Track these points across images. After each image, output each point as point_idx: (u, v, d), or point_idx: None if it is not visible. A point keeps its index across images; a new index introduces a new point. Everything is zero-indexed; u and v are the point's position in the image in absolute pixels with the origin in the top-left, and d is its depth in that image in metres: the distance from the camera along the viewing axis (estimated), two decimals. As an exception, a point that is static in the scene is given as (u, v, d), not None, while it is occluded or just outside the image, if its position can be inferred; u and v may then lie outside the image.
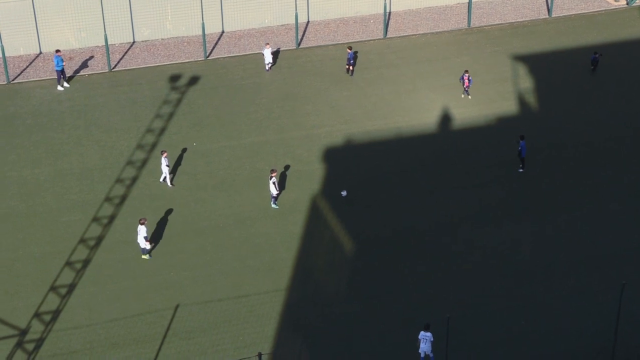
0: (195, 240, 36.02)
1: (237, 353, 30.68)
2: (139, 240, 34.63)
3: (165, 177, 39.08)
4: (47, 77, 47.28)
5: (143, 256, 34.98)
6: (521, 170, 39.82)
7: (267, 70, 47.89)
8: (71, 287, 33.67)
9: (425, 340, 29.65)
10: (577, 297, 33.00)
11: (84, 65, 48.58)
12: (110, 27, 49.39)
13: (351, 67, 47.55)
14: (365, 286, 33.73)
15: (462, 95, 45.33)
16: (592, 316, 32.20)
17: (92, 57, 49.34)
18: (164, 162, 38.77)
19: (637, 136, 42.55)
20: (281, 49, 50.34)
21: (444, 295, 33.17)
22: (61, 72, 45.99)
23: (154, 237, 36.04)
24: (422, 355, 29.90)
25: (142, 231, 34.40)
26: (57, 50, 45.96)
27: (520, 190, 38.91)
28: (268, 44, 48.06)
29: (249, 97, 45.80)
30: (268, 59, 47.65)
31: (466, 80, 44.93)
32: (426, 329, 29.74)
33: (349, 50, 47.55)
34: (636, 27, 52.65)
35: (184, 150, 41.48)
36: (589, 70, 47.77)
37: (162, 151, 39.21)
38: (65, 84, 46.44)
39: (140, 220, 34.58)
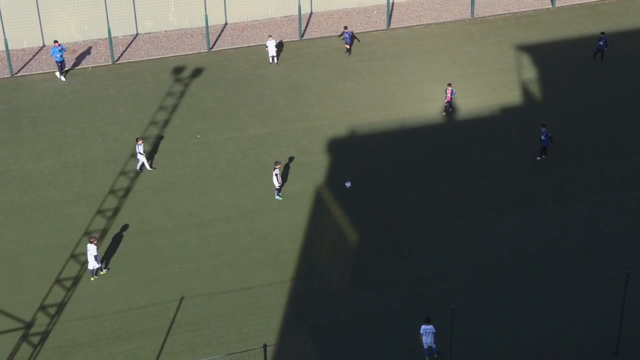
0: (199, 232, 36.05)
1: (242, 345, 30.73)
2: (88, 260, 33.16)
3: (142, 164, 39.35)
4: (51, 70, 47.29)
5: (92, 278, 33.50)
6: (544, 157, 39.78)
7: (271, 63, 47.72)
8: (76, 280, 33.73)
9: (427, 334, 29.66)
10: (581, 288, 32.96)
11: (87, 58, 48.58)
12: (113, 20, 49.39)
13: (348, 46, 48.01)
14: (369, 277, 33.74)
15: (444, 114, 43.07)
16: (596, 306, 32.18)
17: (95, 49, 49.34)
18: (138, 149, 38.89)
19: (641, 126, 42.57)
20: (284, 40, 50.29)
21: (448, 286, 33.17)
22: (61, 64, 45.91)
23: (160, 228, 36.11)
24: (426, 347, 29.92)
25: (92, 250, 32.95)
26: (55, 41, 45.91)
27: (524, 180, 38.86)
28: (271, 35, 47.94)
29: (252, 88, 45.79)
30: (272, 51, 47.51)
31: (448, 94, 42.60)
32: (427, 322, 29.74)
33: (345, 30, 47.78)
34: (639, 17, 52.61)
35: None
36: (593, 59, 47.67)
37: (137, 138, 39.30)
38: (62, 78, 46.38)
39: (90, 238, 33.23)
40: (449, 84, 42.95)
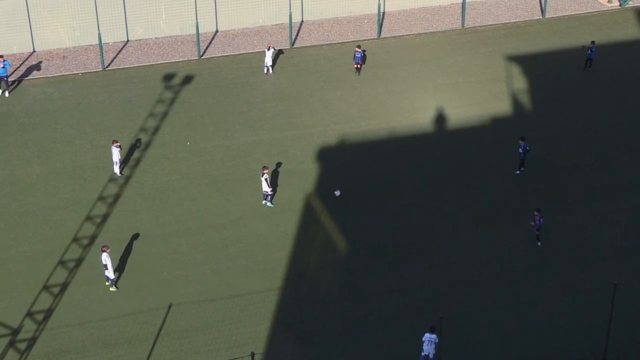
0: (188, 240, 35.97)
1: (230, 353, 30.65)
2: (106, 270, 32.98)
3: (116, 167, 39.37)
4: (40, 76, 47.20)
5: (111, 288, 33.33)
6: (518, 172, 39.69)
7: (266, 73, 47.54)
8: (64, 286, 33.61)
9: (429, 342, 29.60)
10: (569, 297, 33.01)
11: (77, 64, 48.48)
12: (104, 26, 49.34)
13: (358, 66, 47.55)
14: (358, 285, 33.72)
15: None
16: (583, 316, 32.24)
17: (85, 55, 49.25)
18: (114, 151, 38.89)
19: (630, 135, 42.62)
20: (275, 48, 50.27)
21: (437, 295, 33.17)
22: (5, 78, 45.14)
23: (149, 235, 36.02)
24: (423, 355, 29.82)
25: (104, 259, 32.68)
26: (0, 56, 45.33)
27: (514, 190, 38.93)
28: (270, 45, 47.77)
29: (242, 96, 45.77)
30: (269, 61, 47.35)
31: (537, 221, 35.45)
32: (431, 332, 29.69)
33: (357, 50, 47.36)
34: (629, 28, 52.75)
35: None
36: (584, 68, 47.88)
37: (113, 140, 39.26)
38: (6, 93, 45.57)
39: (103, 247, 32.88)
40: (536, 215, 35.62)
